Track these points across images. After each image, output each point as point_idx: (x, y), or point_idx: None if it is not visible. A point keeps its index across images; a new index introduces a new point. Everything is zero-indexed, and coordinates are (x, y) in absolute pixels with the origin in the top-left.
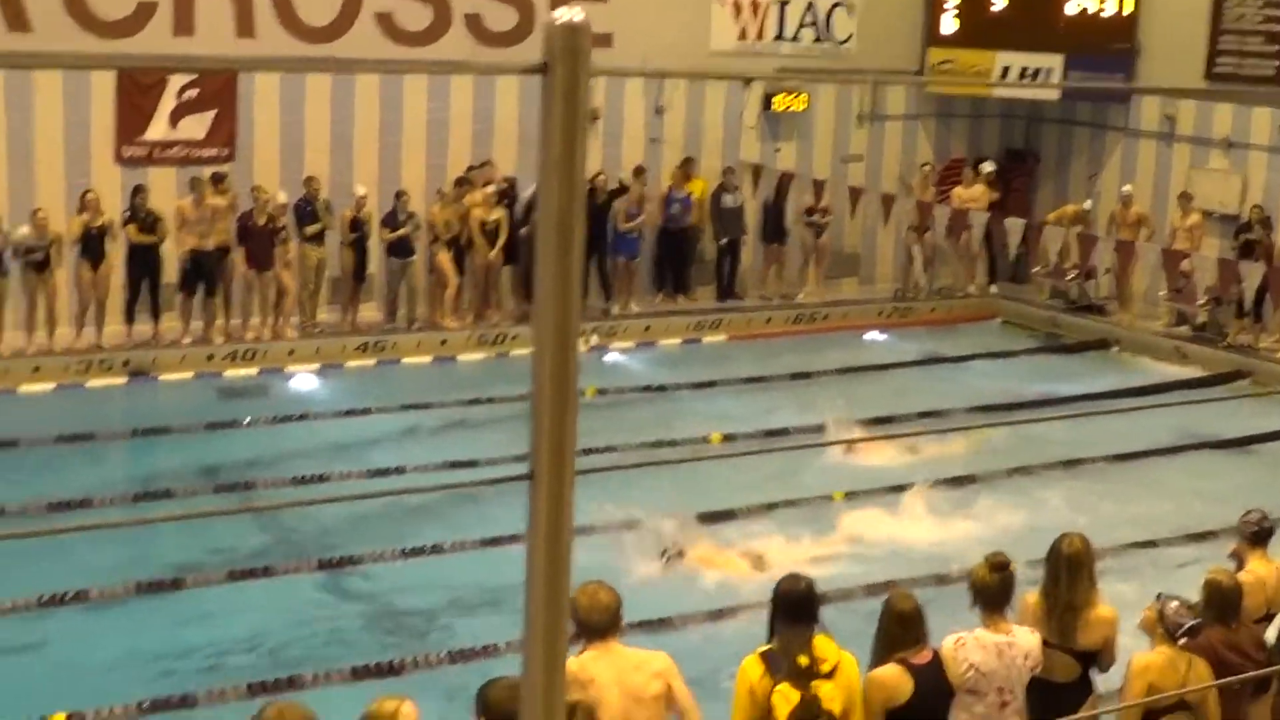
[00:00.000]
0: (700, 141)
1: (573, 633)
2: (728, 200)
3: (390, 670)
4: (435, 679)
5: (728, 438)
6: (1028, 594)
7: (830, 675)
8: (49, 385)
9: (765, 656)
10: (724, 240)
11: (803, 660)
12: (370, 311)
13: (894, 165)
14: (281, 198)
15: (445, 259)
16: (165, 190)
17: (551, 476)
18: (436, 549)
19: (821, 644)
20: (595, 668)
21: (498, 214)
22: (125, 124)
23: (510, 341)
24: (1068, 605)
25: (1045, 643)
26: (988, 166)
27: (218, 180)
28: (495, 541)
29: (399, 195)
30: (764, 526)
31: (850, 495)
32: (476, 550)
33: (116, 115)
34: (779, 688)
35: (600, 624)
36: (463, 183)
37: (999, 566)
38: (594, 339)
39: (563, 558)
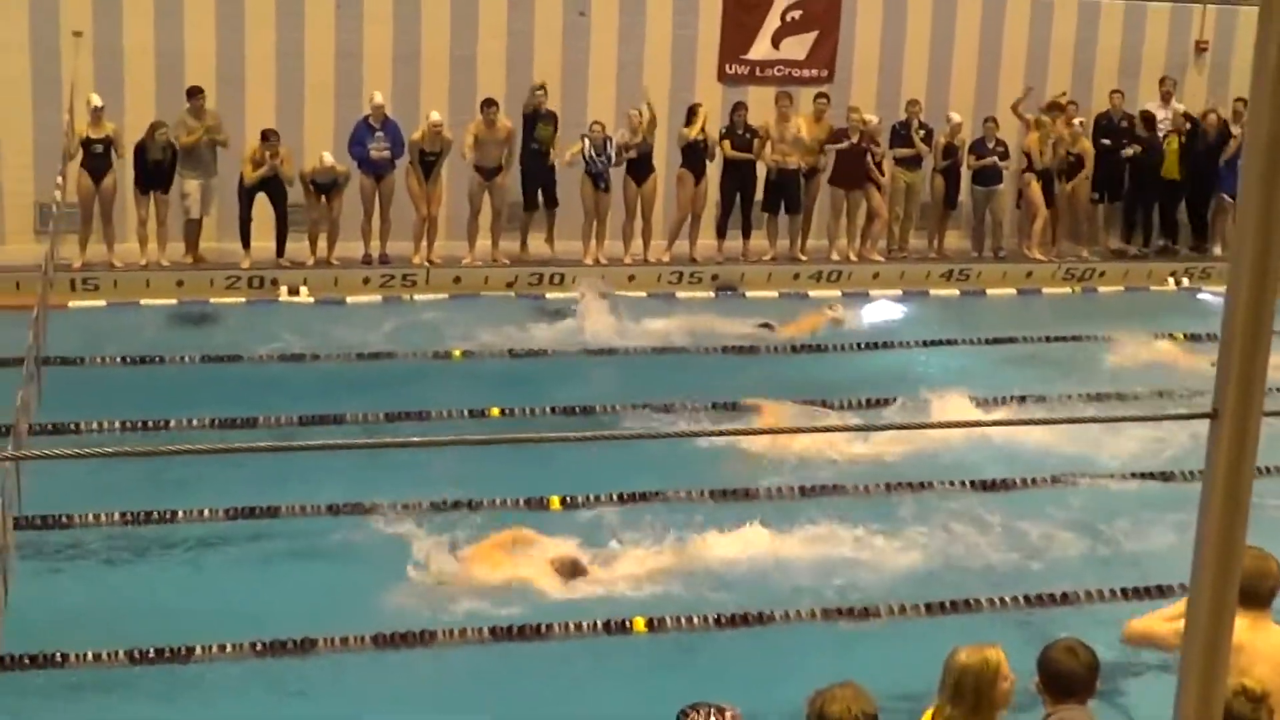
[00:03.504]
0: None
1: None
2: None
3: (965, 607)
4: (1008, 623)
5: None
6: None
7: None
8: (641, 293)
9: None
10: None
11: None
12: (957, 239)
13: None
14: (872, 120)
15: (1035, 189)
16: (764, 108)
17: (1236, 414)
18: (1005, 484)
19: None
20: (1246, 635)
21: (1083, 144)
22: (730, 42)
23: (1098, 278)
24: None
25: None
26: None
27: (817, 99)
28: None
29: (986, 121)
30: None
31: None
32: (1048, 487)
33: (722, 33)
34: None
35: (1262, 591)
36: (1053, 108)
37: None
38: (1185, 279)
39: (1242, 499)
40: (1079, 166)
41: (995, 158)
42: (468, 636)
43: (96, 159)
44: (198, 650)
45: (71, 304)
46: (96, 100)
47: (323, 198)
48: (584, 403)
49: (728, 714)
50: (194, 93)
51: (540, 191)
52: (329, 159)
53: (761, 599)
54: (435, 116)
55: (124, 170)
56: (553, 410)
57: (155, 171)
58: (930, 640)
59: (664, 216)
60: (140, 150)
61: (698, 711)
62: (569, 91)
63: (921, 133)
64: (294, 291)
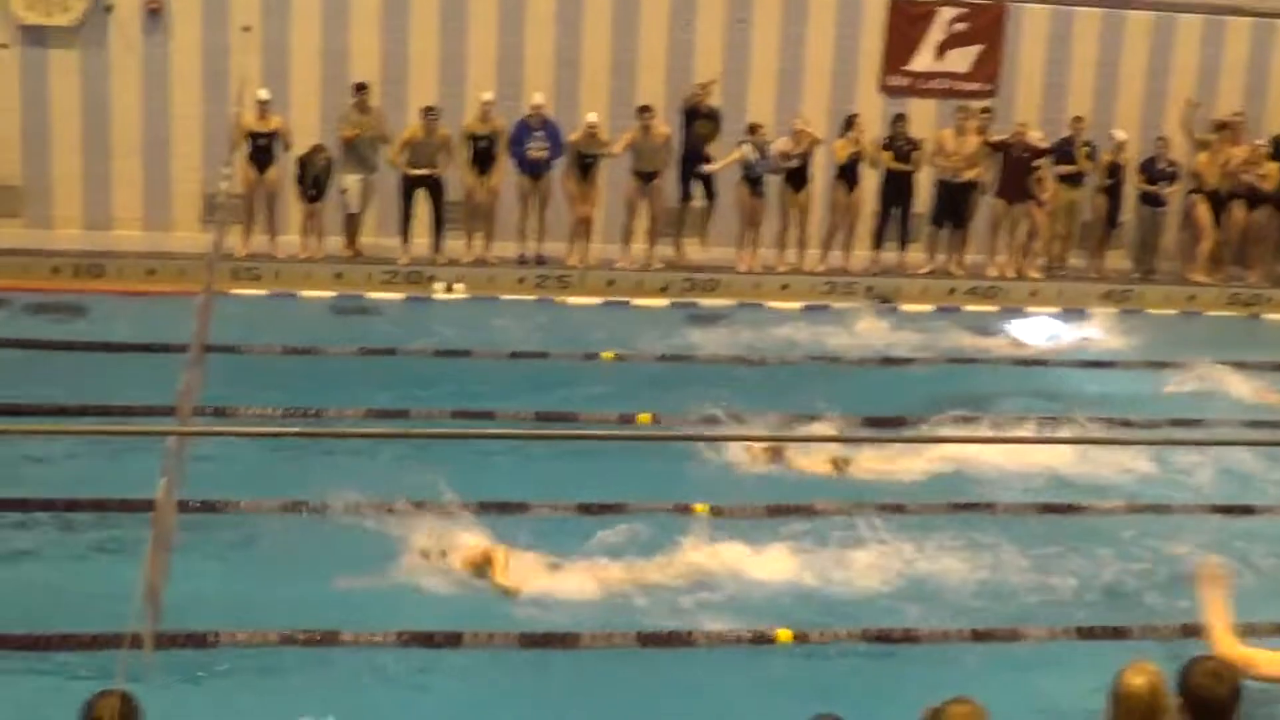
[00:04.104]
0: None
1: None
2: None
3: (1115, 634)
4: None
5: None
6: None
7: None
8: (797, 304)
9: None
10: None
11: None
12: (1118, 259)
13: None
14: (1035, 135)
15: (1203, 211)
16: (924, 119)
17: None
18: (1160, 508)
19: None
20: None
21: (1268, 168)
22: (893, 53)
23: (1265, 304)
24: None
25: None
26: None
27: (982, 113)
28: (1228, 510)
29: (1159, 140)
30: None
31: None
32: (1203, 515)
33: (885, 44)
34: None
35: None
36: (1222, 128)
37: None
38: None
39: None
40: (1257, 189)
41: (1165, 180)
42: (613, 641)
43: (261, 152)
44: (344, 635)
45: (233, 291)
46: (263, 94)
47: (482, 177)
48: (736, 409)
49: None
50: (359, 88)
51: (700, 183)
52: (488, 95)
53: (909, 616)
54: (591, 118)
55: (288, 164)
56: (703, 419)
57: (314, 185)
58: (1077, 665)
59: (820, 227)
60: (302, 165)
61: None
62: (729, 98)
63: (1086, 150)
64: (449, 288)
